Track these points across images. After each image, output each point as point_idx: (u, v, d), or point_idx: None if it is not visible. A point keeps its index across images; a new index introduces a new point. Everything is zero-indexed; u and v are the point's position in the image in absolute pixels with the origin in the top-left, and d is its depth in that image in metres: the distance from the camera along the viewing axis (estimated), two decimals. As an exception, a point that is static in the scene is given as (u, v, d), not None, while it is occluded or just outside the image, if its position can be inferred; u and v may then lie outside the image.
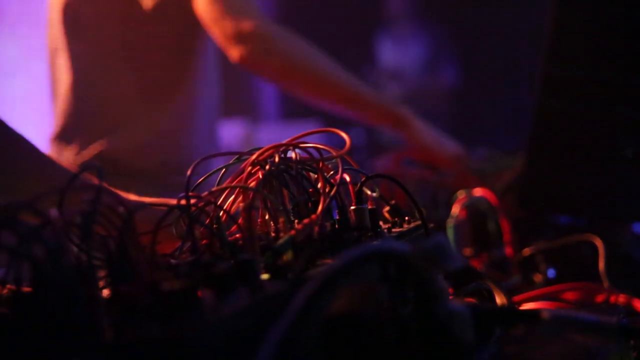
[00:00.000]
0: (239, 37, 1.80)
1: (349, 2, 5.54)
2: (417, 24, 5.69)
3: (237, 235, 0.82)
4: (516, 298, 1.14)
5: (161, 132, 1.92)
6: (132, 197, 1.11)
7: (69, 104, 1.91)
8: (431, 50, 5.65)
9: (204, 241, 0.81)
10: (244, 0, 1.84)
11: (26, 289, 0.60)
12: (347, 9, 5.51)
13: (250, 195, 0.82)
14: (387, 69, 5.62)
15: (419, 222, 0.96)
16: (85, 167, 0.75)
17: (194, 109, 1.97)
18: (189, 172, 0.83)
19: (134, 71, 1.90)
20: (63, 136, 1.91)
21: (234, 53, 1.82)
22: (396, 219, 0.97)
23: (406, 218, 0.97)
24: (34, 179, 1.11)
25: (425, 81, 5.60)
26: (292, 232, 0.77)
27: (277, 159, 0.87)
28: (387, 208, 1.00)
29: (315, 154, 0.91)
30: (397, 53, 5.64)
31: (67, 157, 1.85)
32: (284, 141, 0.90)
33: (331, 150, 0.90)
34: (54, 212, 0.62)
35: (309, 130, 0.93)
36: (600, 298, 1.13)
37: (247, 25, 1.80)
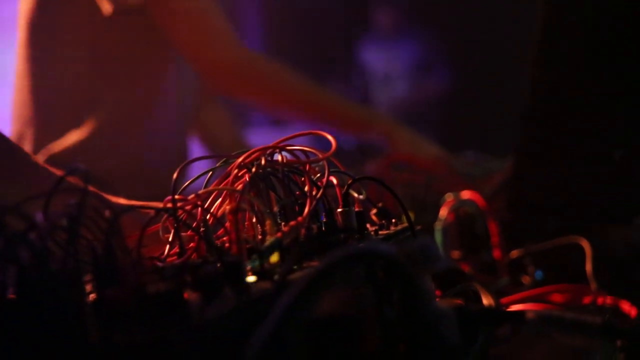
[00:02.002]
0: (213, 70, 1.82)
1: (336, 8, 5.55)
2: (406, 30, 5.70)
3: (224, 238, 0.82)
4: (504, 300, 1.14)
5: (123, 143, 1.91)
6: (122, 200, 1.11)
7: (27, 106, 1.90)
8: (421, 56, 5.66)
9: (191, 244, 0.81)
10: (219, 32, 1.85)
11: (11, 296, 0.59)
12: (334, 15, 5.52)
13: (237, 198, 0.82)
14: (377, 76, 5.62)
15: (406, 225, 0.96)
16: (71, 170, 0.75)
17: (161, 121, 1.96)
18: (175, 176, 0.83)
19: (98, 77, 1.89)
20: (19, 138, 1.90)
21: (210, 84, 1.84)
22: (383, 222, 0.97)
23: (393, 220, 0.98)
24: (25, 185, 1.11)
25: (416, 87, 5.62)
26: (279, 234, 0.77)
27: (263, 162, 0.87)
28: (374, 210, 1.00)
29: (302, 157, 0.91)
30: (386, 59, 5.65)
31: None
32: (271, 144, 0.90)
33: (318, 153, 0.90)
34: (39, 216, 0.62)
35: (296, 133, 0.93)
36: (587, 300, 1.14)
37: (221, 57, 1.81)
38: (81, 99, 1.89)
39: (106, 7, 1.82)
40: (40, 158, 1.77)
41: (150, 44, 1.89)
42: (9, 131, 1.95)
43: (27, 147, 1.87)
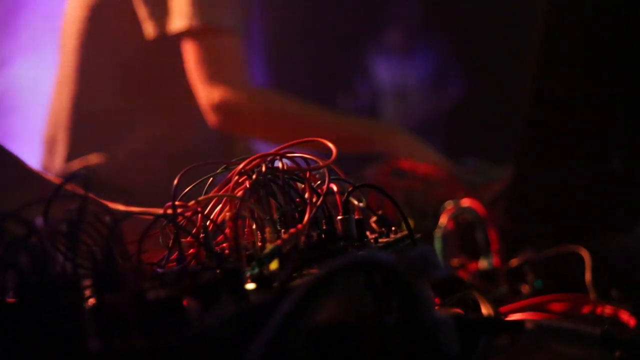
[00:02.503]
0: (213, 106, 1.85)
1: (346, 18, 5.55)
2: (417, 43, 5.70)
3: (224, 245, 0.82)
4: (503, 309, 1.14)
5: (151, 151, 1.94)
6: (120, 207, 1.11)
7: (65, 112, 1.92)
8: (434, 69, 5.66)
9: (191, 250, 0.81)
10: (225, 68, 1.88)
11: (10, 300, 0.60)
12: (344, 25, 5.52)
13: (237, 205, 0.82)
14: (388, 88, 5.62)
15: (405, 233, 0.96)
16: (71, 176, 0.75)
17: (195, 143, 2.00)
18: (175, 182, 0.83)
19: (136, 96, 1.92)
20: (51, 141, 1.92)
21: (209, 119, 1.86)
22: (383, 229, 0.97)
23: (393, 228, 0.98)
24: (22, 193, 1.11)
25: (429, 101, 5.62)
26: (279, 241, 0.77)
27: (264, 169, 0.87)
28: (374, 218, 1.00)
29: (303, 164, 0.91)
30: (398, 74, 5.65)
31: (57, 162, 1.86)
32: (271, 150, 0.90)
33: (318, 160, 0.90)
34: (39, 221, 0.62)
35: (297, 140, 0.93)
36: (586, 309, 1.14)
37: (221, 95, 1.84)
38: (117, 115, 1.92)
39: (149, 31, 1.86)
40: (75, 164, 1.79)
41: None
42: (42, 135, 1.97)
43: (60, 150, 1.90)
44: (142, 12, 1.89)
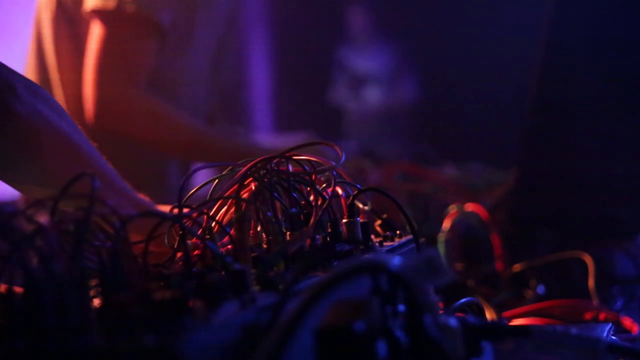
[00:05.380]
0: (98, 107, 1.78)
1: (311, 16, 5.56)
2: (380, 34, 5.72)
3: (229, 247, 0.82)
4: (506, 314, 1.14)
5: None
6: (125, 206, 1.11)
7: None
8: (392, 65, 5.69)
9: (196, 252, 0.81)
10: (123, 67, 1.81)
11: (17, 290, 0.60)
12: (310, 23, 5.54)
13: (243, 207, 0.82)
14: (353, 79, 5.65)
15: (410, 236, 0.96)
16: (77, 176, 0.75)
17: None
18: (181, 183, 0.83)
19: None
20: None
21: (87, 110, 1.79)
22: (388, 233, 0.97)
23: (397, 232, 0.98)
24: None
25: (387, 96, 5.65)
26: (284, 244, 0.77)
27: (269, 171, 0.87)
28: (378, 222, 1.00)
29: (308, 167, 0.91)
30: (362, 63, 5.68)
31: None
32: (277, 153, 0.90)
33: (324, 163, 0.90)
34: (46, 220, 0.62)
35: (302, 143, 0.94)
36: (589, 315, 1.14)
37: (110, 93, 1.78)
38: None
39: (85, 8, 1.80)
40: None
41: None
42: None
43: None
44: None
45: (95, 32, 1.78)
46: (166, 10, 1.80)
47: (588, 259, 1.33)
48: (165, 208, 1.11)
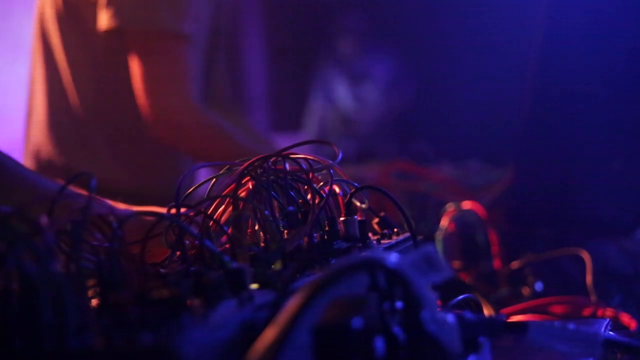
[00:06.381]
0: (153, 116, 1.77)
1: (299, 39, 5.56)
2: (370, 52, 5.71)
3: (227, 245, 0.82)
4: (504, 310, 1.15)
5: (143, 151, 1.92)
6: (121, 206, 1.11)
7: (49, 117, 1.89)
8: (390, 65, 5.69)
9: (193, 250, 0.81)
10: (168, 78, 1.80)
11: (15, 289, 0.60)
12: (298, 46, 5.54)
13: (241, 206, 0.82)
14: (346, 103, 5.63)
15: (407, 234, 0.96)
16: (75, 176, 0.75)
17: None
18: (179, 182, 0.83)
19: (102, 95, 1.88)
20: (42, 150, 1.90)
21: (150, 130, 1.79)
22: (385, 231, 0.97)
23: (395, 230, 0.98)
24: (21, 195, 1.11)
25: (387, 104, 5.64)
26: (282, 242, 0.77)
27: (267, 170, 0.87)
28: (376, 220, 1.00)
29: (305, 165, 0.91)
30: (355, 85, 5.66)
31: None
32: (274, 152, 0.90)
33: (321, 161, 0.90)
34: (44, 220, 0.62)
35: (300, 141, 0.94)
36: (587, 311, 1.14)
37: (162, 106, 1.77)
38: (86, 114, 1.88)
39: (101, 24, 1.79)
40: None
41: None
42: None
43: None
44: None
45: (130, 47, 1.78)
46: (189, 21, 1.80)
47: (586, 256, 1.34)
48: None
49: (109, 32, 1.76)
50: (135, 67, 1.75)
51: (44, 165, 1.85)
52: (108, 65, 1.85)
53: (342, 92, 5.63)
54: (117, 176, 1.84)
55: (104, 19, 1.75)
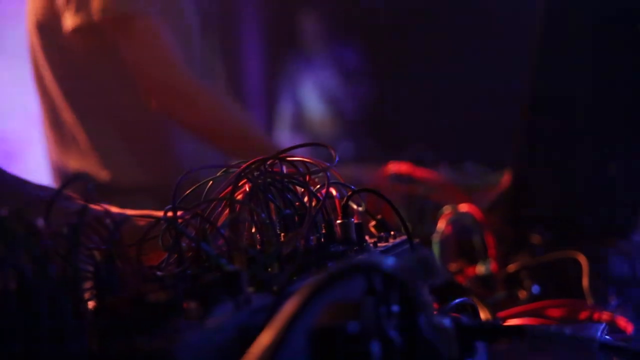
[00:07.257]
0: (154, 91, 1.81)
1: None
2: (334, 40, 5.69)
3: (224, 248, 0.82)
4: (501, 314, 1.15)
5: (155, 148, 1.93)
6: (114, 209, 1.11)
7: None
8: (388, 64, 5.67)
9: (190, 253, 0.81)
10: (152, 54, 1.84)
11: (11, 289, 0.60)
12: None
13: (237, 208, 0.82)
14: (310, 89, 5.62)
15: (404, 237, 0.96)
16: (72, 178, 0.75)
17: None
18: (177, 183, 0.83)
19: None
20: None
21: (151, 103, 1.82)
22: (382, 234, 0.97)
23: (392, 233, 0.98)
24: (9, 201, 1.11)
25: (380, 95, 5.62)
26: (278, 245, 0.77)
27: (264, 172, 0.87)
28: (373, 222, 1.00)
29: (302, 167, 0.91)
30: (318, 71, 5.65)
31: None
32: (271, 154, 0.90)
33: (318, 164, 0.90)
34: (40, 223, 0.62)
35: (297, 144, 0.93)
36: (584, 315, 1.14)
37: (164, 80, 1.81)
38: (86, 116, 1.90)
39: (68, 23, 1.81)
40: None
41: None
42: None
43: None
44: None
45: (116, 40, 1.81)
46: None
47: (582, 259, 1.34)
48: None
49: (77, 31, 1.79)
50: (122, 53, 1.79)
51: (62, 174, 1.87)
52: (88, 65, 1.88)
53: (312, 91, 5.60)
54: (134, 173, 1.87)
55: (68, 20, 1.78)
